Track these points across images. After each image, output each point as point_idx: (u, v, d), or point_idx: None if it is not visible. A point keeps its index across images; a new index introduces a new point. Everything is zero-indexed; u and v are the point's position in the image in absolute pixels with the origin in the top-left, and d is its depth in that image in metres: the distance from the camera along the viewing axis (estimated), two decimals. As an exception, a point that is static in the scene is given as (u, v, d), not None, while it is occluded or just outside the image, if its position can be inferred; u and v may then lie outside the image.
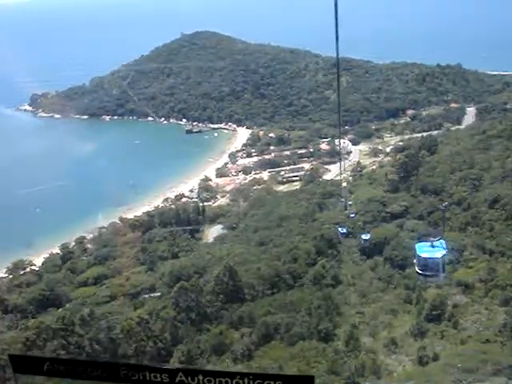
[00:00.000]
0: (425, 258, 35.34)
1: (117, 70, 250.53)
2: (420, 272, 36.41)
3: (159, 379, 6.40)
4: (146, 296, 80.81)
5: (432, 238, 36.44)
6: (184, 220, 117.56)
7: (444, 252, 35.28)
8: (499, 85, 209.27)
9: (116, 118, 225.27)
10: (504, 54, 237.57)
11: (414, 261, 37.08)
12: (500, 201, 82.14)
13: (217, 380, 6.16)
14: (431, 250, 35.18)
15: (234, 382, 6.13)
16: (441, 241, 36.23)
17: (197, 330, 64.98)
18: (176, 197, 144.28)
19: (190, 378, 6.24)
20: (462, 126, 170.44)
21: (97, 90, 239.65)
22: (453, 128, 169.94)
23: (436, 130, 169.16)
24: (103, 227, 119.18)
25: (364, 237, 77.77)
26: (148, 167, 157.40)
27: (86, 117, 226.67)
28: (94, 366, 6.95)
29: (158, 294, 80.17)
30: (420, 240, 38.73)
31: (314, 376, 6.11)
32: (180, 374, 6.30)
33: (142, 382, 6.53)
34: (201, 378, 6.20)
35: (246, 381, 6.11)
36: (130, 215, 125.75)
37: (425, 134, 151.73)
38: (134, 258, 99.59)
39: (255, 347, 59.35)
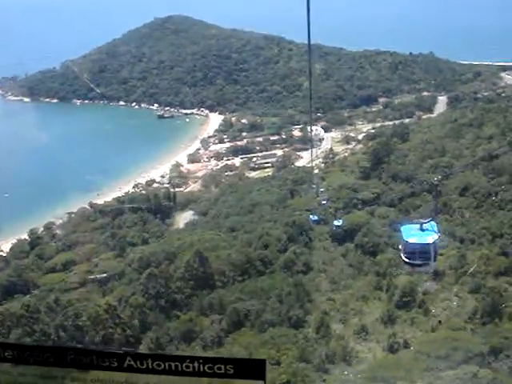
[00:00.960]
0: (413, 244, 29.40)
1: (88, 53, 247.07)
2: (406, 260, 30.38)
3: (107, 364, 5.87)
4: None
5: (422, 220, 31.42)
6: (155, 206, 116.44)
7: (436, 236, 29.23)
8: (470, 74, 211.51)
9: (87, 102, 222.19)
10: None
11: (400, 246, 31.47)
12: (470, 188, 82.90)
13: (166, 364, 5.75)
14: (420, 234, 29.15)
15: (183, 365, 5.73)
16: (431, 223, 29.97)
17: (166, 316, 64.37)
18: (147, 182, 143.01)
19: (138, 363, 5.77)
20: (433, 115, 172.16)
21: (67, 74, 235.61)
22: (424, 116, 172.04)
23: (408, 118, 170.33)
24: (72, 213, 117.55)
25: (335, 223, 77.41)
26: (119, 152, 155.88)
27: (56, 101, 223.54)
28: (40, 350, 6.28)
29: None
30: (407, 222, 33.43)
31: (265, 360, 5.73)
32: (128, 358, 5.79)
33: (89, 367, 5.98)
34: (150, 362, 5.76)
35: (195, 364, 5.73)
36: (100, 201, 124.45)
37: (397, 121, 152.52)
38: (104, 244, 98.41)
39: (225, 334, 59.02)
